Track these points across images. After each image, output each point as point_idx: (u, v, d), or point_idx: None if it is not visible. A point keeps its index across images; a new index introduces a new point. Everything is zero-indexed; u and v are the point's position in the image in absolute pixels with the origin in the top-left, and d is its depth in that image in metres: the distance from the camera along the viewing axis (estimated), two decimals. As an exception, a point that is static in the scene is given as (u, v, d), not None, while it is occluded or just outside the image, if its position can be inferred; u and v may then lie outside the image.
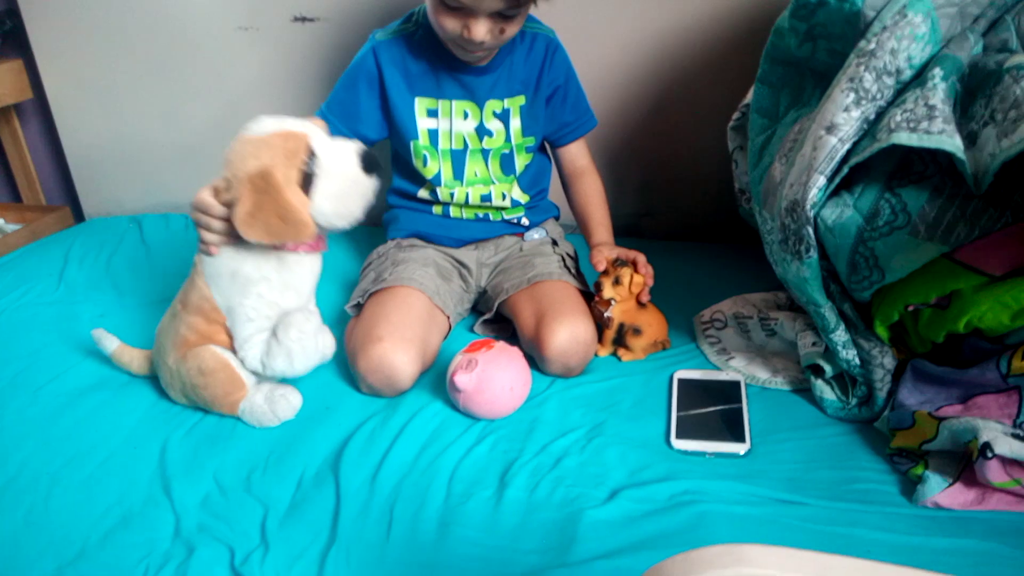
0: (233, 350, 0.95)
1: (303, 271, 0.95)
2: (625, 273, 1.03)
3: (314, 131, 0.89)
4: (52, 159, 1.73)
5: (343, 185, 0.89)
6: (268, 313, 0.94)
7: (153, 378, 1.04)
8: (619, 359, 1.08)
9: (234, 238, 0.89)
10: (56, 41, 1.55)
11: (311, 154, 0.87)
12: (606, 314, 1.05)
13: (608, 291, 1.04)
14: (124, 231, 1.54)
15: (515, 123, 1.13)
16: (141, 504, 0.83)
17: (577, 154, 1.20)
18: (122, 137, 1.62)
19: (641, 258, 1.06)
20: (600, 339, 1.07)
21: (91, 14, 1.51)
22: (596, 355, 1.07)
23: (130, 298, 1.25)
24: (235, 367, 0.94)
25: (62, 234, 1.56)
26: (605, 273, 1.05)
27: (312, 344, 0.94)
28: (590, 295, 1.12)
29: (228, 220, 0.87)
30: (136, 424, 0.97)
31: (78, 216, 1.72)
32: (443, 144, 1.13)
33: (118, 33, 1.52)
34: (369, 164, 0.90)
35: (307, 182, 0.87)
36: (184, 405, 0.99)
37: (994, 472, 0.75)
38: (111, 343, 1.04)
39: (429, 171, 1.14)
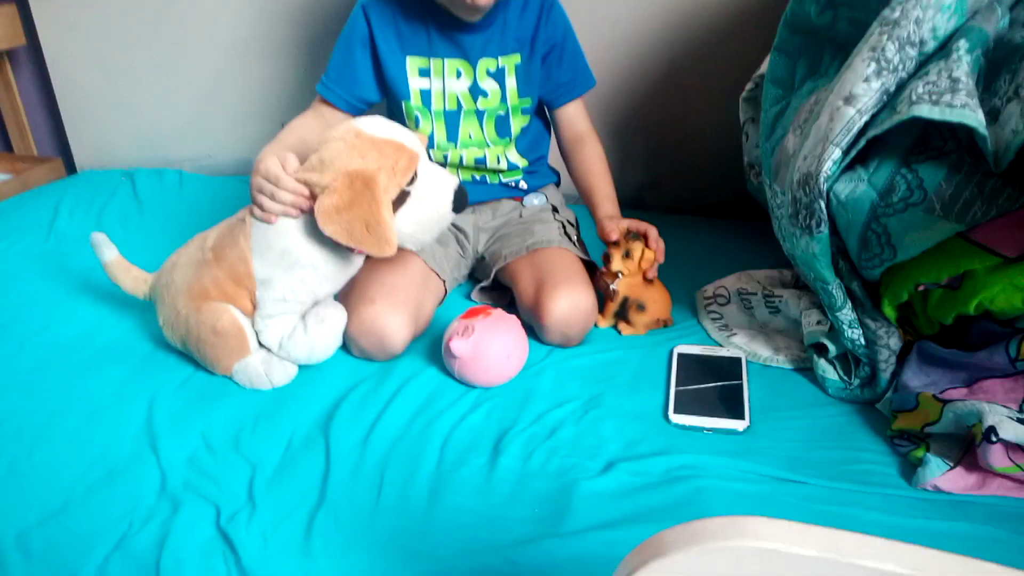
0: (250, 316, 0.93)
1: (349, 269, 0.94)
2: (636, 247, 1.01)
3: (423, 151, 0.90)
4: (45, 108, 1.69)
5: (430, 215, 0.89)
6: (303, 299, 0.92)
7: (143, 326, 1.02)
8: (619, 332, 1.06)
9: (295, 215, 0.87)
10: (51, -14, 1.51)
11: (415, 176, 0.87)
12: (611, 286, 1.02)
13: (616, 263, 1.01)
14: (116, 185, 1.51)
15: (511, 83, 1.10)
16: (127, 459, 0.82)
17: (575, 117, 1.16)
18: (117, 88, 1.58)
19: (653, 232, 1.03)
20: (602, 310, 1.05)
21: (87, -42, 1.46)
22: (596, 326, 1.05)
23: (121, 252, 1.22)
24: (248, 335, 0.92)
25: (53, 185, 1.53)
26: (615, 244, 1.02)
27: (335, 343, 0.94)
28: (591, 263, 1.09)
29: (299, 195, 0.86)
30: (124, 378, 0.95)
31: (70, 168, 1.69)
32: (436, 105, 1.10)
33: (115, -21, 1.48)
34: (460, 203, 0.91)
35: (399, 200, 0.87)
36: (175, 346, 0.97)
37: (996, 457, 0.74)
38: (109, 252, 1.00)
39: (422, 132, 1.11)
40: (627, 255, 1.01)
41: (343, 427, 0.86)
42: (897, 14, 0.81)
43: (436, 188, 0.89)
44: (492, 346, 0.91)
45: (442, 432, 0.85)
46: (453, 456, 0.82)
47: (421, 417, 0.88)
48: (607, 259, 1.03)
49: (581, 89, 1.15)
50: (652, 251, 1.02)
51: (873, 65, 0.80)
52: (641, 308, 1.03)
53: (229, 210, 0.97)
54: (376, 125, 0.88)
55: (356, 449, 0.83)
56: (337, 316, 0.94)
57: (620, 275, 1.02)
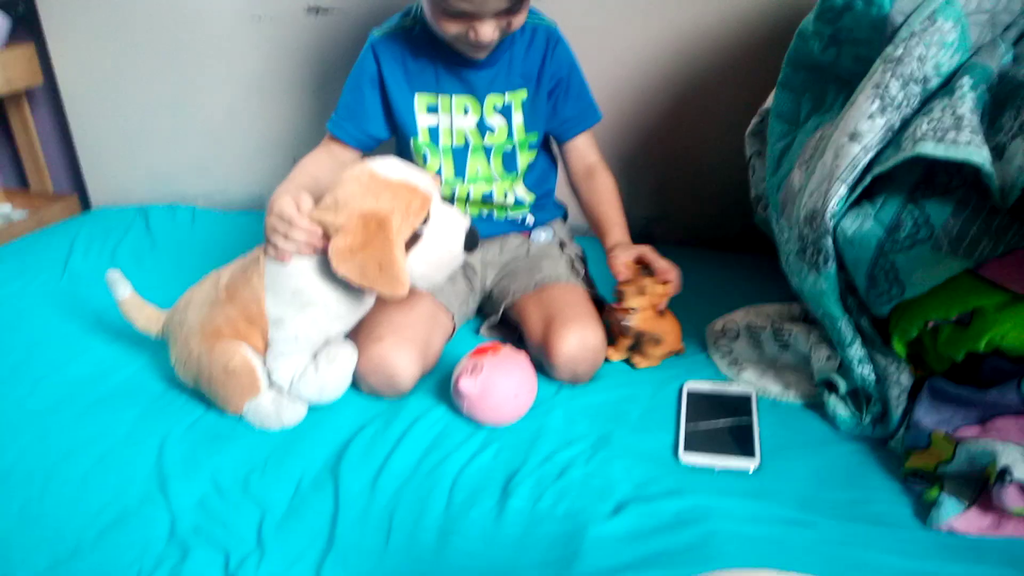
0: (262, 355, 0.94)
1: (361, 308, 0.95)
2: (650, 284, 1.01)
3: (435, 193, 0.90)
4: (61, 146, 1.72)
5: (442, 256, 0.90)
6: (315, 338, 0.93)
7: (155, 364, 1.03)
8: (632, 366, 1.05)
9: (309, 253, 0.88)
10: (68, 27, 1.54)
11: (427, 217, 0.88)
12: (625, 322, 1.02)
13: (631, 300, 1.01)
14: (130, 221, 1.53)
15: (517, 118, 1.11)
16: (137, 502, 0.82)
17: (584, 151, 1.17)
18: (131, 126, 1.61)
19: (662, 264, 1.03)
20: (614, 343, 1.05)
21: (105, 0, 1.49)
22: (607, 360, 1.05)
23: (135, 289, 1.23)
24: (259, 374, 0.93)
25: (68, 223, 1.55)
26: (627, 281, 1.02)
27: (345, 382, 0.95)
28: (599, 298, 1.09)
29: (313, 235, 0.86)
30: (136, 418, 0.95)
31: (85, 204, 1.71)
32: (444, 141, 1.11)
33: (131, 20, 1.51)
34: (471, 243, 0.92)
35: (411, 241, 0.88)
36: (187, 385, 0.98)
37: (1012, 498, 0.73)
38: (124, 290, 1.01)
39: (429, 169, 1.12)
40: (640, 291, 1.01)
41: (352, 469, 0.86)
42: (900, 51, 0.81)
43: (448, 229, 0.90)
44: (500, 385, 0.91)
45: (451, 473, 0.85)
46: (462, 498, 0.81)
47: (430, 458, 0.87)
48: (620, 295, 1.02)
49: (587, 123, 1.16)
50: (667, 285, 1.02)
51: (877, 102, 0.81)
52: (657, 342, 1.03)
53: (242, 245, 0.99)
54: (390, 166, 0.89)
55: (365, 491, 0.83)
56: (348, 355, 0.94)
57: (635, 310, 1.02)
